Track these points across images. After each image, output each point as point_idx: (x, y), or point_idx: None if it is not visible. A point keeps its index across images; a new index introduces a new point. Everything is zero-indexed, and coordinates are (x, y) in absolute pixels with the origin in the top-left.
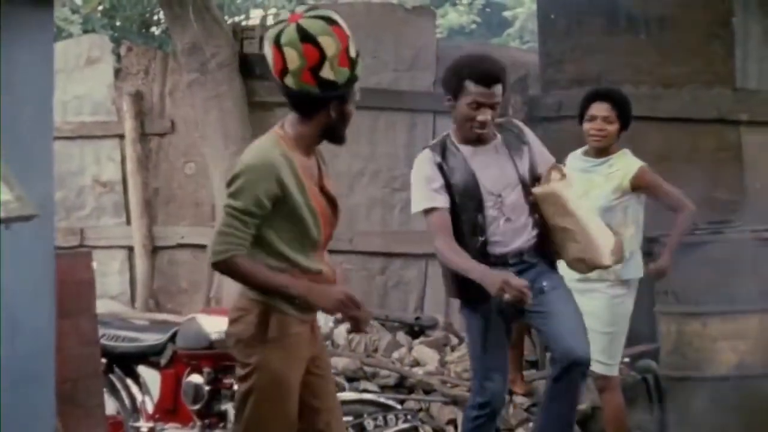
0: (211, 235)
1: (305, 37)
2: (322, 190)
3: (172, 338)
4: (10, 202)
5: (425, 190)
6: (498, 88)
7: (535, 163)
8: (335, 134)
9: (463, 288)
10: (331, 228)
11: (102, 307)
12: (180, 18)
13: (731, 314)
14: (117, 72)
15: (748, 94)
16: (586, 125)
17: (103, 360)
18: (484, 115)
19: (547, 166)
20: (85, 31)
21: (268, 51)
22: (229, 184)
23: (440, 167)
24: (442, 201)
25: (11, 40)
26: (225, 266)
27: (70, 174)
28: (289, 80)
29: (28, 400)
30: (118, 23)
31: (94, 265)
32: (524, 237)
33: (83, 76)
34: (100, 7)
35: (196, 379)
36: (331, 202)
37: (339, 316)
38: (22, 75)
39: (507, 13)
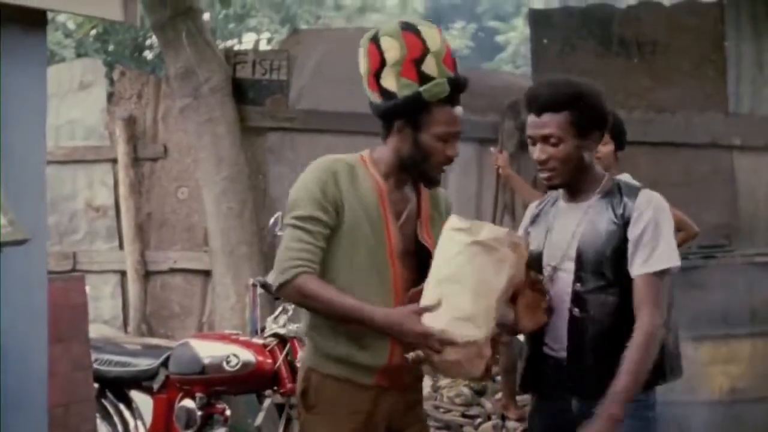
0: (203, 260)
1: (372, 37)
2: (416, 237)
3: (165, 363)
4: (2, 226)
5: None
6: (548, 119)
7: None
8: (415, 171)
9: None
10: (405, 289)
11: (94, 331)
12: (173, 43)
13: (723, 339)
14: (110, 96)
15: (741, 119)
16: None
17: (96, 384)
18: (536, 152)
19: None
20: (78, 55)
21: (363, 52)
22: (289, 201)
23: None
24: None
25: (4, 64)
26: (292, 289)
27: (62, 198)
28: (387, 79)
29: (20, 425)
30: (111, 47)
31: (87, 289)
32: None
33: (76, 100)
34: (93, 32)
35: (189, 404)
36: (419, 254)
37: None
38: (15, 99)
39: (500, 38)
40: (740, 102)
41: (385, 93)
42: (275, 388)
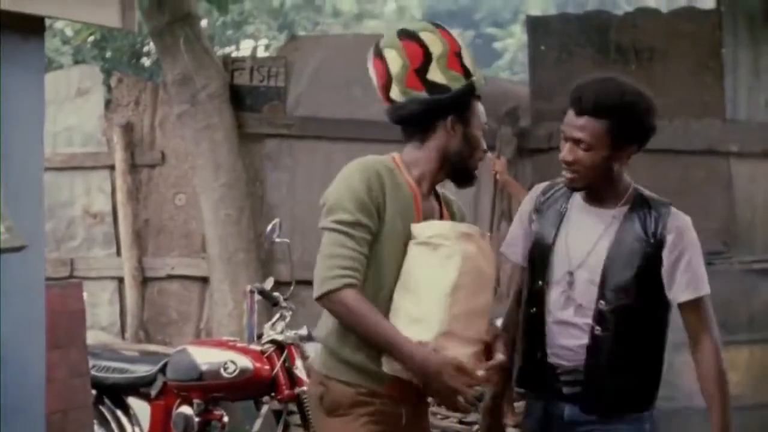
0: (201, 266)
1: (404, 33)
2: None
3: (162, 369)
4: (0, 233)
5: None
6: (585, 123)
7: None
8: (460, 167)
9: None
10: None
11: (92, 338)
12: (170, 49)
13: (722, 345)
14: (107, 103)
15: (738, 125)
16: None
17: (93, 391)
18: (564, 151)
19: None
20: (76, 62)
21: (371, 66)
22: (324, 205)
23: None
24: None
25: (2, 71)
26: (334, 300)
27: (60, 205)
28: (395, 92)
29: (18, 431)
30: (108, 54)
31: (85, 296)
32: None
33: (74, 107)
34: (91, 38)
35: (186, 410)
36: None
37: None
38: (13, 105)
39: (497, 45)
40: (737, 109)
41: (431, 87)
42: (273, 394)
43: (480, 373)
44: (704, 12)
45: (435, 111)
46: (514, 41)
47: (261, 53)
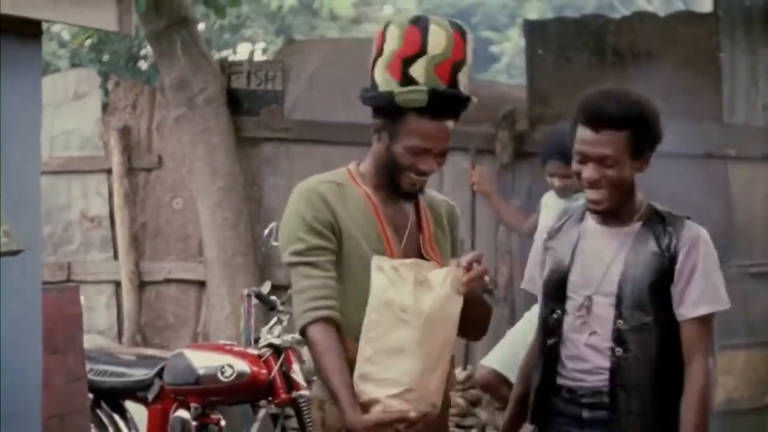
0: (198, 270)
1: (418, 20)
2: (420, 253)
3: (160, 373)
4: None
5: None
6: (607, 138)
7: None
8: (389, 182)
9: None
10: None
11: (89, 342)
12: (167, 53)
13: (719, 349)
14: (104, 106)
15: (736, 130)
16: None
17: (90, 395)
18: (589, 172)
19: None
20: (73, 66)
21: (398, 32)
22: (282, 238)
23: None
24: None
25: (0, 75)
26: (304, 337)
27: (57, 209)
28: (377, 69)
29: None
30: (105, 58)
31: (82, 300)
32: None
33: (71, 110)
34: (88, 42)
35: (184, 414)
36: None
37: None
38: (10, 109)
39: (494, 48)
40: (735, 113)
41: (372, 84)
42: (270, 398)
43: (411, 414)
44: (701, 16)
45: (374, 111)
46: (511, 45)
47: (258, 57)
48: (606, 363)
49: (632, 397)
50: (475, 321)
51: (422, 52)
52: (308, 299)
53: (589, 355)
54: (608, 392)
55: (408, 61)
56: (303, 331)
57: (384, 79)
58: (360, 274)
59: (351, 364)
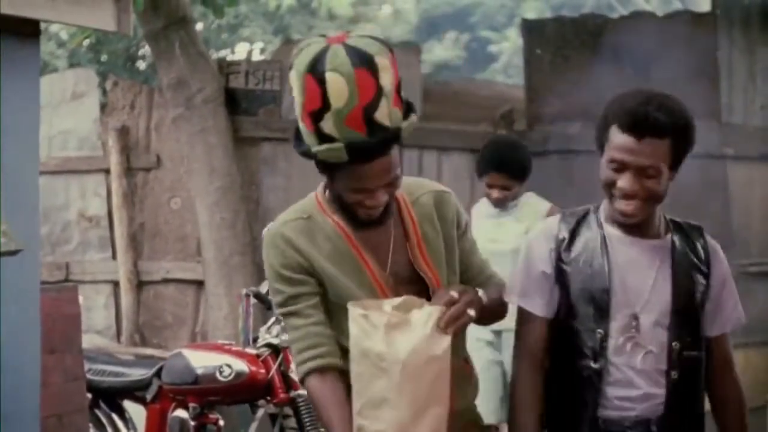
0: (196, 270)
1: (313, 67)
2: (413, 268)
3: (158, 373)
4: None
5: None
6: (651, 147)
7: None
8: (343, 209)
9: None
10: None
11: (87, 341)
12: (166, 53)
13: None
14: (103, 106)
15: (734, 129)
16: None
17: (89, 395)
18: (627, 182)
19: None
20: (71, 66)
21: (298, 83)
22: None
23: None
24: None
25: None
26: (305, 387)
27: (55, 209)
28: (328, 124)
29: None
30: (103, 58)
31: (80, 299)
32: None
33: (69, 110)
34: (86, 42)
35: (182, 414)
36: (421, 282)
37: None
38: (8, 109)
39: (492, 48)
40: (733, 112)
41: (297, 130)
42: (268, 398)
43: None
44: (699, 15)
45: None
46: (509, 44)
47: (256, 57)
48: (658, 389)
49: (684, 423)
50: (492, 315)
51: (325, 106)
52: (299, 351)
53: (639, 381)
54: (659, 420)
55: (316, 116)
56: (302, 382)
57: (303, 131)
58: (341, 308)
59: None
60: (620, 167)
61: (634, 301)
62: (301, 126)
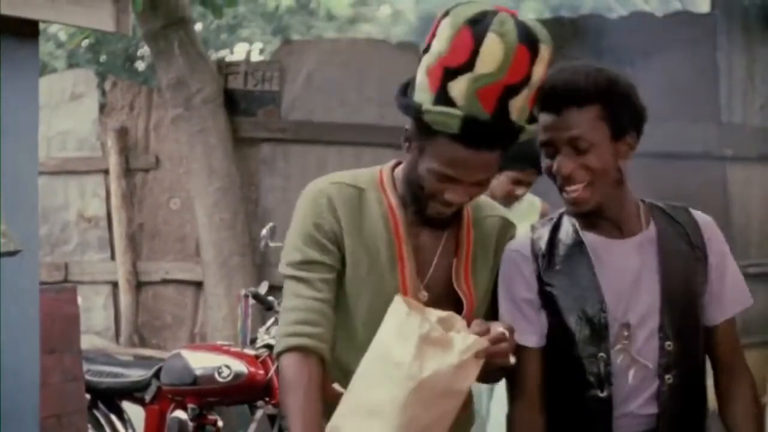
0: (195, 270)
1: (477, 21)
2: (450, 286)
3: (157, 374)
4: None
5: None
6: (573, 117)
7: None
8: (416, 200)
9: None
10: None
11: (86, 342)
12: (165, 53)
13: None
14: (101, 107)
15: (734, 129)
16: None
17: (88, 396)
18: (560, 162)
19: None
20: (70, 66)
21: (449, 32)
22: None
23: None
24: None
25: None
26: (281, 360)
27: (54, 209)
28: (458, 86)
29: None
30: (102, 58)
31: (79, 300)
32: None
33: (68, 111)
34: (85, 42)
35: (181, 415)
36: (457, 307)
37: None
38: (7, 110)
39: None
40: (732, 113)
41: (411, 84)
42: (267, 399)
43: None
44: (699, 16)
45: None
46: None
47: (255, 57)
48: (653, 400)
49: (687, 428)
50: (488, 375)
51: (468, 66)
52: (290, 322)
53: (636, 395)
54: (661, 427)
55: (450, 73)
56: (278, 357)
57: (420, 85)
58: (357, 305)
59: (329, 407)
60: (551, 148)
61: (624, 310)
62: (421, 78)
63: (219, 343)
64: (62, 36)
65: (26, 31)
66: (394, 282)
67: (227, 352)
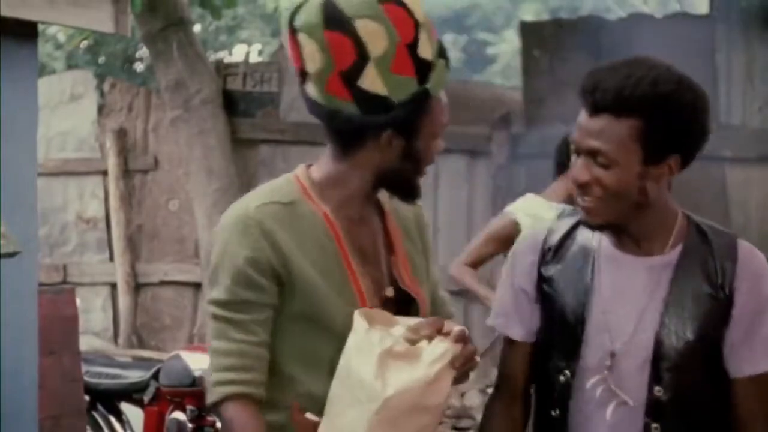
0: (194, 272)
1: (331, 21)
2: (392, 278)
3: (156, 375)
4: None
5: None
6: (604, 125)
7: None
8: (399, 183)
9: None
10: None
11: (85, 343)
12: (163, 54)
13: None
14: (100, 108)
15: (732, 131)
16: None
17: (86, 397)
18: (577, 167)
19: None
20: (69, 67)
21: (286, 41)
22: (210, 272)
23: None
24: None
25: None
26: (221, 413)
27: (53, 210)
28: (311, 89)
29: None
30: (101, 59)
31: (78, 301)
32: None
33: (67, 112)
34: (84, 44)
35: (180, 416)
36: (403, 303)
37: None
38: (6, 111)
39: (490, 50)
40: (731, 114)
41: (363, 98)
42: None
43: None
44: (697, 17)
45: (364, 128)
46: (507, 47)
47: (254, 58)
48: None
49: None
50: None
51: (417, 26)
52: (224, 368)
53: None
54: None
55: (412, 47)
56: (215, 405)
57: (395, 82)
58: (319, 327)
59: None
60: (576, 150)
61: (614, 336)
62: (391, 80)
63: None
64: (61, 37)
65: (25, 32)
66: (349, 291)
67: None
